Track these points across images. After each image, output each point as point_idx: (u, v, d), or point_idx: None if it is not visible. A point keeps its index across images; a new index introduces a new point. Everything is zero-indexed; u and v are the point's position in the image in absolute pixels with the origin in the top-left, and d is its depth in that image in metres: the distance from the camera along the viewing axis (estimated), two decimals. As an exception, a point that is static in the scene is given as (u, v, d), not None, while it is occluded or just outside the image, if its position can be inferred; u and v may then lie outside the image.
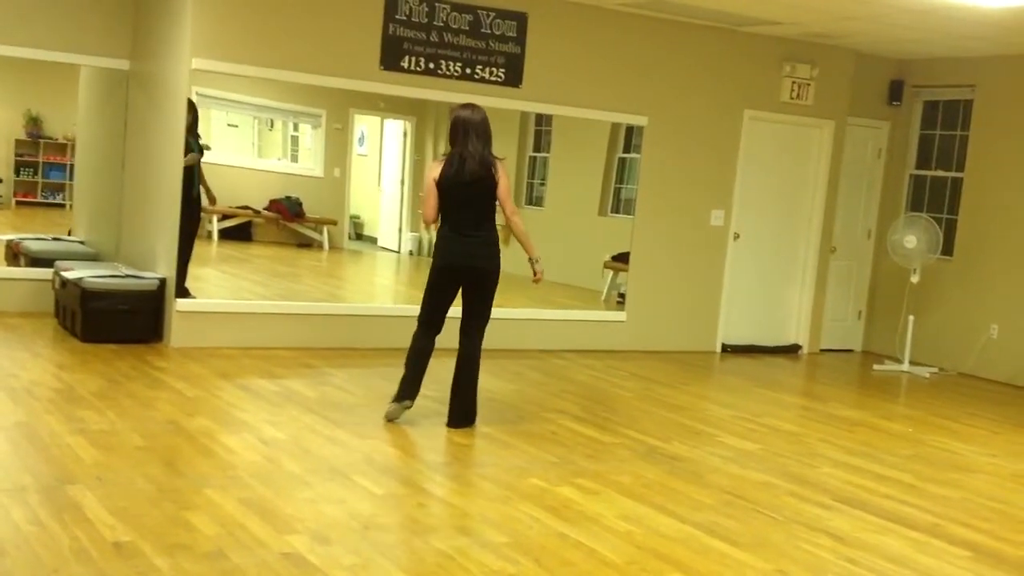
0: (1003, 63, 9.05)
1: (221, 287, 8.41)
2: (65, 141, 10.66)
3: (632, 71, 8.61)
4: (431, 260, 5.82)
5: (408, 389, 5.76)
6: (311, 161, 9.58)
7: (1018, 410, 7.87)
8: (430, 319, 5.84)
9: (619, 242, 9.02)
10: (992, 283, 9.08)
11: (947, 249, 9.37)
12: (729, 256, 9.25)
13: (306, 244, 9.26)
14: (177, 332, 7.28)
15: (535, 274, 5.96)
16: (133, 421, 5.30)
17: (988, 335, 9.08)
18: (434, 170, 5.67)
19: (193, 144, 7.45)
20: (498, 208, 5.78)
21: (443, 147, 9.37)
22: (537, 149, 9.62)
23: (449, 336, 5.86)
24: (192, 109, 7.30)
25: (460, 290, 5.80)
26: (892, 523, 4.71)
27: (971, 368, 9.15)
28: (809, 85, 9.26)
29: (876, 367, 9.27)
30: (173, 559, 3.57)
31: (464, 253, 5.69)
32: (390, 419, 5.71)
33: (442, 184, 5.61)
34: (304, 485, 4.52)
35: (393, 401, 5.76)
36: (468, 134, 5.61)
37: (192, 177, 7.49)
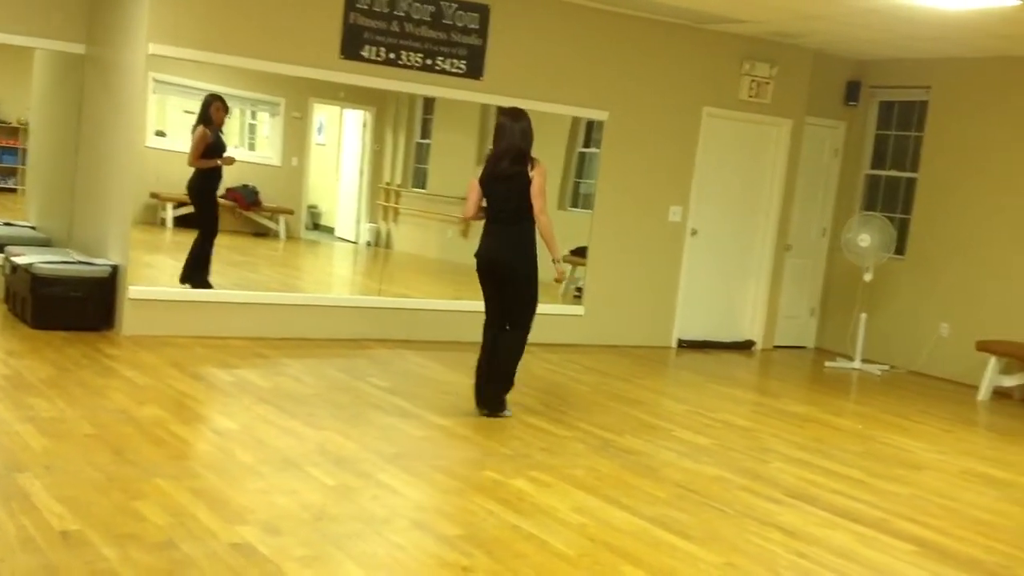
0: (957, 65, 9.17)
1: (174, 275, 8.31)
2: (18, 125, 10.48)
3: (593, 66, 8.63)
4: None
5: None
6: (269, 150, 9.49)
7: (967, 408, 7.99)
8: (486, 314, 6.08)
9: (578, 236, 9.04)
10: (943, 282, 9.22)
11: (900, 248, 9.49)
12: (686, 252, 9.31)
13: (262, 233, 9.17)
14: (129, 320, 7.20)
15: (557, 274, 6.14)
16: (83, 409, 5.23)
17: (939, 334, 9.21)
18: (479, 172, 5.97)
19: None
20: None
21: (404, 137, 9.35)
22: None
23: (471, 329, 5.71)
24: (226, 107, 7.65)
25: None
26: (841, 518, 4.77)
27: (921, 366, 9.28)
28: (768, 84, 9.33)
29: (828, 364, 9.37)
30: (122, 549, 3.53)
31: (492, 247, 5.91)
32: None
33: (483, 181, 5.91)
34: (256, 475, 4.49)
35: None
36: (505, 136, 5.87)
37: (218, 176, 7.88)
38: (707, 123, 9.20)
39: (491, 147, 6.06)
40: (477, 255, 5.96)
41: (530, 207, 5.89)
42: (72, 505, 3.89)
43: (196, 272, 7.90)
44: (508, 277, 5.93)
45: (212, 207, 8.15)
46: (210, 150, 8.07)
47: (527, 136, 5.92)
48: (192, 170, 8.06)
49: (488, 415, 5.99)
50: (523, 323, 6.04)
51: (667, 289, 9.26)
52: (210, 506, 4.03)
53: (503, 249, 5.89)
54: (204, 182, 8.08)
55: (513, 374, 6.07)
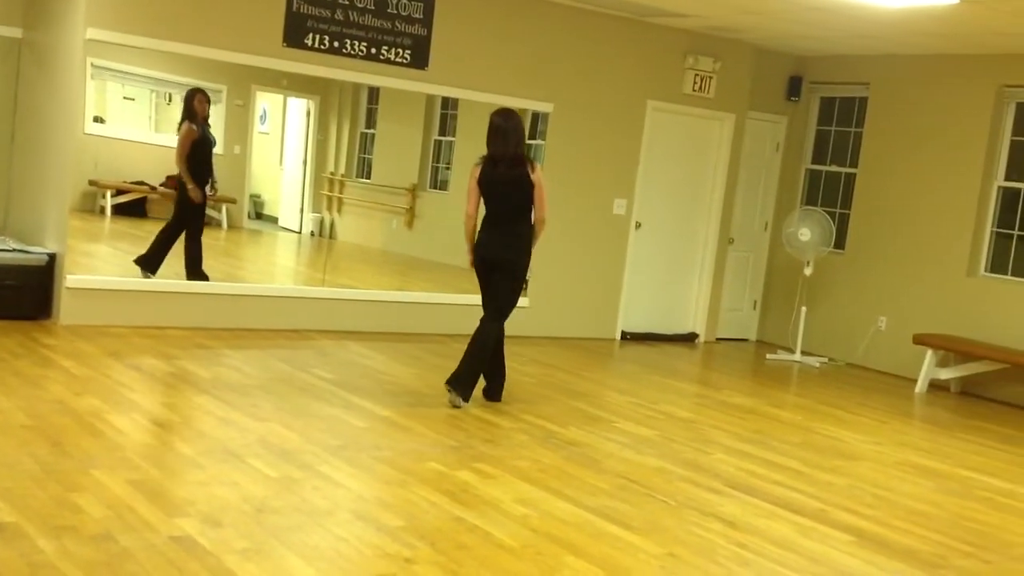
0: (895, 62, 9.32)
1: (113, 264, 8.19)
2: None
3: (538, 58, 8.63)
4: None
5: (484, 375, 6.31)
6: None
7: (904, 400, 8.14)
8: (483, 307, 6.30)
9: (522, 228, 9.03)
10: (881, 276, 9.37)
11: (839, 243, 9.63)
12: (631, 245, 9.36)
13: (204, 222, 9.06)
14: (67, 309, 7.07)
15: None
16: (19, 400, 5.13)
17: (876, 327, 9.37)
18: (475, 172, 6.16)
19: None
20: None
21: (348, 127, 9.29)
22: (443, 133, 9.58)
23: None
24: (207, 99, 7.83)
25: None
26: (780, 508, 4.83)
27: (860, 359, 9.44)
28: (711, 78, 9.40)
29: (769, 356, 9.49)
30: (59, 541, 3.46)
31: (495, 245, 6.15)
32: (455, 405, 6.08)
33: (481, 183, 6.13)
34: (196, 467, 4.44)
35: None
36: (498, 139, 6.08)
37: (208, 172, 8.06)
38: (651, 117, 9.25)
39: (486, 149, 6.19)
40: (478, 253, 6.18)
41: (530, 207, 6.17)
42: (8, 497, 3.81)
43: (196, 266, 8.03)
44: (500, 268, 6.17)
45: (202, 203, 8.21)
46: (196, 146, 8.08)
47: (521, 136, 6.16)
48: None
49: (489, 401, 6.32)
50: (501, 308, 6.27)
51: (611, 281, 9.31)
52: (149, 498, 3.98)
53: (506, 248, 6.16)
54: (193, 178, 8.11)
55: (485, 363, 6.27)
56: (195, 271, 8.01)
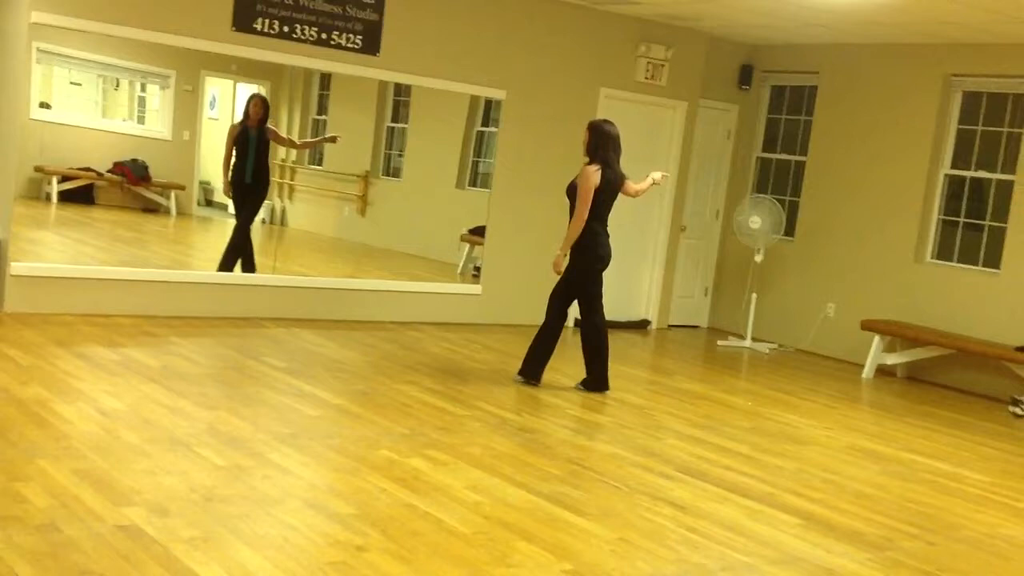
0: (844, 51, 9.41)
1: (60, 251, 8.06)
2: None
3: (491, 44, 8.61)
4: (584, 255, 6.64)
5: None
6: (159, 123, 9.24)
7: (852, 385, 8.25)
8: (597, 306, 6.82)
9: (476, 215, 9.04)
10: (830, 264, 9.48)
11: (789, 230, 9.73)
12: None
13: (152, 209, 8.94)
14: (12, 297, 6.94)
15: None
16: (-40, 390, 5.04)
17: (825, 313, 9.48)
18: (593, 177, 6.50)
19: None
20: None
21: (299, 113, 9.19)
22: (395, 119, 9.53)
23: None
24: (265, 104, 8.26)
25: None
26: (729, 492, 4.88)
27: (809, 345, 9.54)
28: (663, 66, 9.44)
29: (720, 343, 9.57)
30: (3, 531, 3.41)
31: (608, 245, 6.69)
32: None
33: (602, 188, 6.52)
34: (143, 456, 4.38)
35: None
36: (617, 145, 6.62)
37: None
38: (604, 104, 9.26)
39: (601, 154, 6.58)
40: (604, 256, 6.66)
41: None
42: (-53, 489, 3.74)
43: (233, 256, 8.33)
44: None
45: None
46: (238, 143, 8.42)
47: (620, 147, 6.72)
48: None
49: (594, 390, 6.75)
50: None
51: (564, 269, 9.31)
52: (95, 487, 3.92)
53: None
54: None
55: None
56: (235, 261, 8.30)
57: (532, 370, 6.76)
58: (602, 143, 6.60)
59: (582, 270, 6.67)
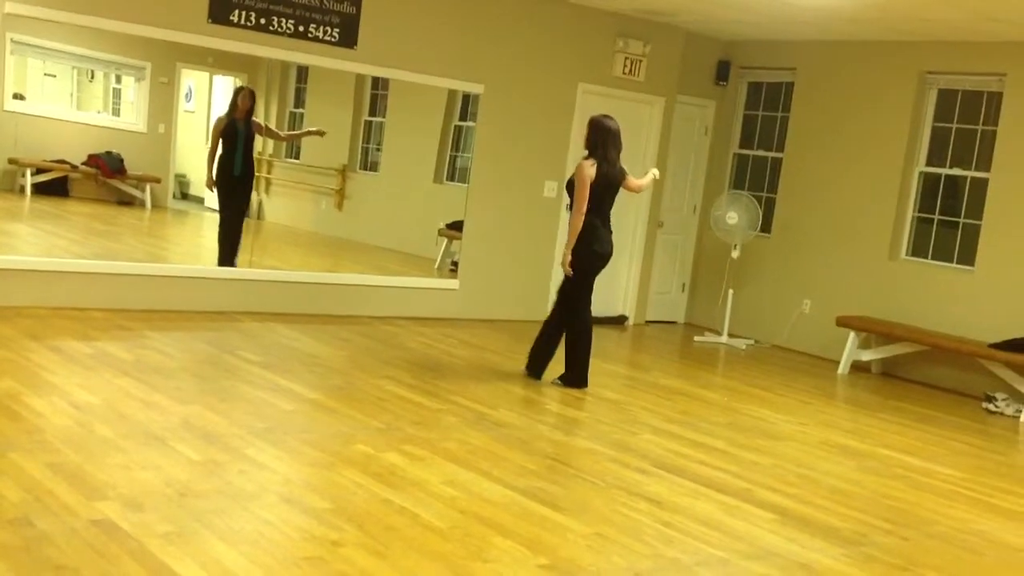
0: (822, 48, 9.45)
1: (33, 244, 7.99)
2: None
3: (470, 38, 8.59)
4: (583, 249, 6.60)
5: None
6: (134, 115, 9.17)
7: (827, 381, 8.29)
8: (586, 302, 6.77)
9: (454, 210, 9.02)
10: (806, 260, 9.52)
11: (766, 226, 9.77)
12: (561, 227, 9.37)
13: (127, 202, 8.87)
14: (-17, 290, 6.88)
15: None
16: (-69, 383, 4.98)
17: (801, 309, 9.53)
18: (588, 171, 6.54)
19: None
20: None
21: (276, 106, 9.14)
22: (373, 113, 9.50)
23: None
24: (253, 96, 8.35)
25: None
26: (705, 488, 4.89)
27: (785, 341, 9.59)
28: (641, 61, 9.45)
29: (697, 339, 9.60)
30: (-29, 528, 3.38)
31: (608, 241, 6.67)
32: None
33: (599, 183, 6.55)
34: (117, 450, 4.35)
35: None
36: (609, 142, 6.63)
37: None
38: (582, 99, 9.26)
39: (599, 150, 6.64)
40: (600, 251, 6.62)
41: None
42: (-83, 483, 3.70)
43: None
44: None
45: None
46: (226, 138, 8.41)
47: (621, 142, 6.78)
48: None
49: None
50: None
51: (542, 264, 9.31)
52: (68, 482, 3.89)
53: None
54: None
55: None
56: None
57: (535, 365, 6.81)
58: (600, 138, 6.64)
59: (580, 265, 6.63)
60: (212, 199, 9.38)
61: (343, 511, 3.97)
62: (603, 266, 6.75)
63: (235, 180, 8.41)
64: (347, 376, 6.28)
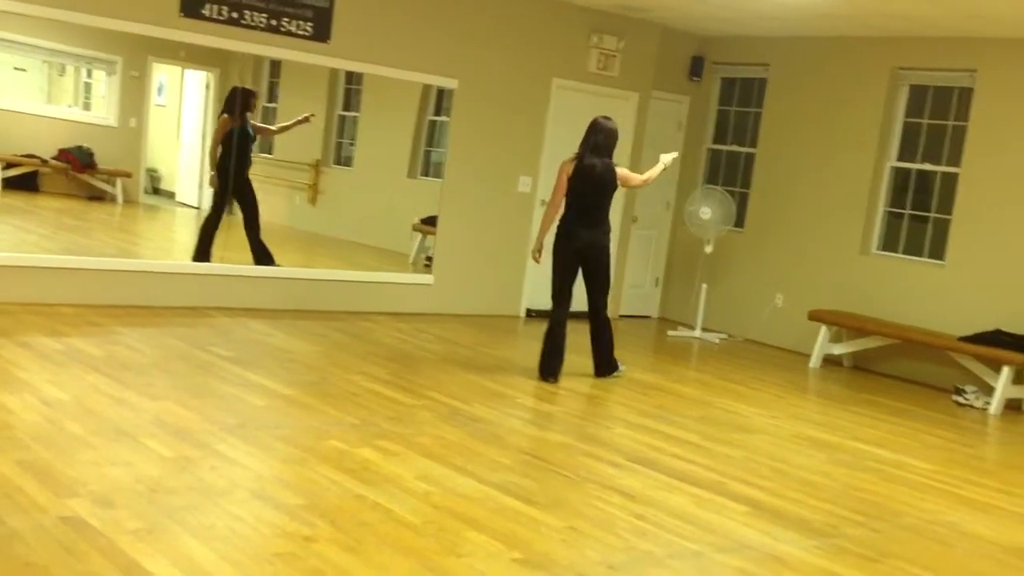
0: (795, 44, 9.49)
1: (3, 239, 7.90)
2: None
3: (443, 33, 8.57)
4: (555, 243, 6.86)
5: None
6: (105, 110, 9.10)
7: (799, 375, 8.34)
8: (561, 295, 6.93)
9: (428, 205, 9.01)
10: (778, 254, 9.57)
11: (739, 221, 9.80)
12: (535, 222, 9.36)
13: (98, 197, 8.80)
14: (-49, 286, 6.81)
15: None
16: (-102, 380, 4.92)
17: (774, 304, 9.57)
18: (565, 168, 6.74)
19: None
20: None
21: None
22: (346, 108, 9.46)
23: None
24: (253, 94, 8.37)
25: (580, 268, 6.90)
26: (679, 481, 4.91)
27: (758, 335, 9.63)
28: (615, 57, 9.46)
29: (671, 333, 9.63)
30: (-62, 526, 3.34)
31: (583, 237, 6.79)
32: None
33: (576, 179, 6.69)
34: (87, 447, 4.31)
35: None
36: (593, 139, 6.72)
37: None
38: (557, 94, 9.27)
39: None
40: (569, 246, 6.78)
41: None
42: None
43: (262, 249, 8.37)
44: (604, 260, 6.94)
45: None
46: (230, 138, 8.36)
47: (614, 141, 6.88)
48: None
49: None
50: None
51: (516, 258, 9.31)
52: (38, 479, 3.85)
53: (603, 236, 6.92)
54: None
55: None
56: (263, 256, 8.34)
57: (544, 367, 6.83)
58: (587, 136, 6.76)
59: (553, 258, 6.82)
60: (185, 194, 9.33)
61: (316, 507, 3.95)
62: (576, 261, 6.78)
63: (246, 181, 8.43)
64: (321, 371, 6.25)
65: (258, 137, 8.59)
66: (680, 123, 10.35)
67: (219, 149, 8.34)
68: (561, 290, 6.85)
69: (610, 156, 6.80)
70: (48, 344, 6.06)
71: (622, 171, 6.94)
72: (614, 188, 6.84)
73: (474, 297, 9.13)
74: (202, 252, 8.21)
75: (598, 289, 6.94)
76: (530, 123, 9.19)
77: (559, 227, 6.78)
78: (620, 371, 7.18)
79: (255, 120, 8.59)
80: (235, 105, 8.28)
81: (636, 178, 7.14)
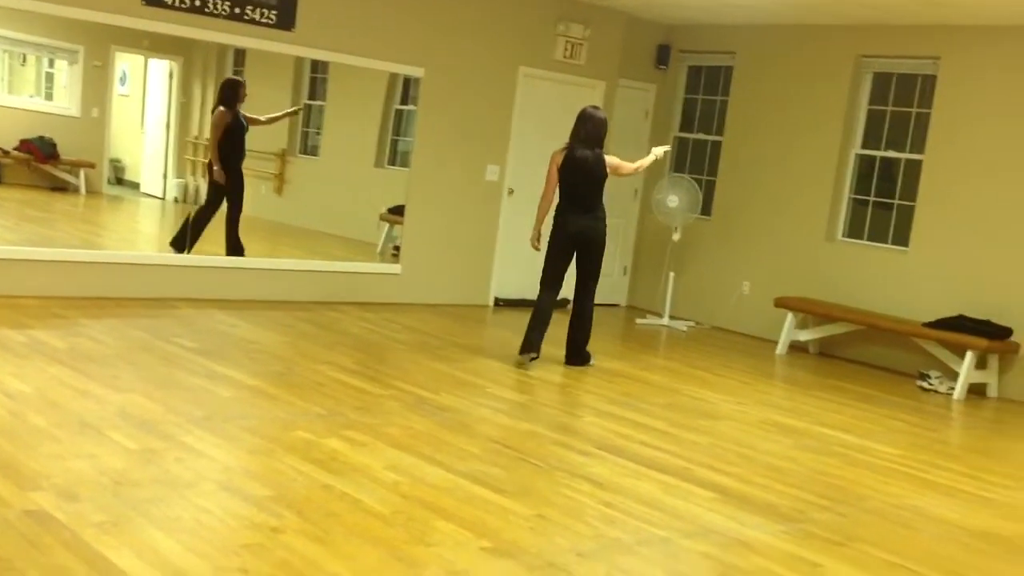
0: (760, 32, 9.53)
1: (-37, 231, 7.80)
2: None
3: (409, 21, 8.53)
4: (552, 229, 7.07)
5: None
6: (67, 100, 8.99)
7: (766, 361, 8.40)
8: (549, 280, 7.09)
9: (395, 194, 8.97)
10: (745, 242, 9.62)
11: (706, 209, 9.84)
12: (503, 211, 9.37)
13: (61, 188, 8.69)
14: (-90, 279, 6.71)
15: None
16: None
17: (740, 291, 9.63)
18: (555, 158, 6.93)
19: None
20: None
21: (213, 90, 9.01)
22: (312, 97, 9.40)
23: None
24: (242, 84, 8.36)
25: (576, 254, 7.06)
26: (646, 468, 4.93)
27: (725, 322, 9.69)
28: (582, 45, 9.45)
29: (639, 321, 9.66)
30: (-102, 521, 3.29)
31: (577, 225, 6.96)
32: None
33: (566, 169, 6.89)
34: (51, 440, 4.27)
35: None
36: (582, 129, 6.90)
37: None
38: (523, 83, 9.25)
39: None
40: (563, 234, 6.97)
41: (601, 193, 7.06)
42: None
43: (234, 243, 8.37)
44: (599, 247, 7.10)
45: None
46: (230, 131, 8.39)
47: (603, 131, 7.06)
48: None
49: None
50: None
51: (484, 248, 9.31)
52: (1, 472, 3.81)
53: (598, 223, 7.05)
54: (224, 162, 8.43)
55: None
56: (236, 249, 8.34)
57: (526, 343, 6.96)
58: (576, 126, 6.95)
59: (548, 243, 7.03)
60: (149, 184, 9.24)
61: (283, 498, 3.93)
62: (570, 247, 6.97)
63: (239, 173, 8.44)
64: (287, 362, 6.22)
65: (249, 127, 8.53)
66: (647, 111, 10.37)
67: (220, 142, 8.35)
68: (552, 275, 7.02)
69: (600, 146, 6.97)
70: (11, 336, 5.98)
71: (612, 160, 7.08)
72: (604, 177, 6.98)
73: (442, 286, 9.11)
74: (189, 241, 8.18)
75: (588, 275, 7.09)
76: (497, 112, 9.18)
77: (555, 216, 6.99)
78: (592, 363, 7.22)
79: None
80: (230, 97, 8.31)
81: (626, 166, 7.27)
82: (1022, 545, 4.54)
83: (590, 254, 7.01)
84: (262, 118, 8.78)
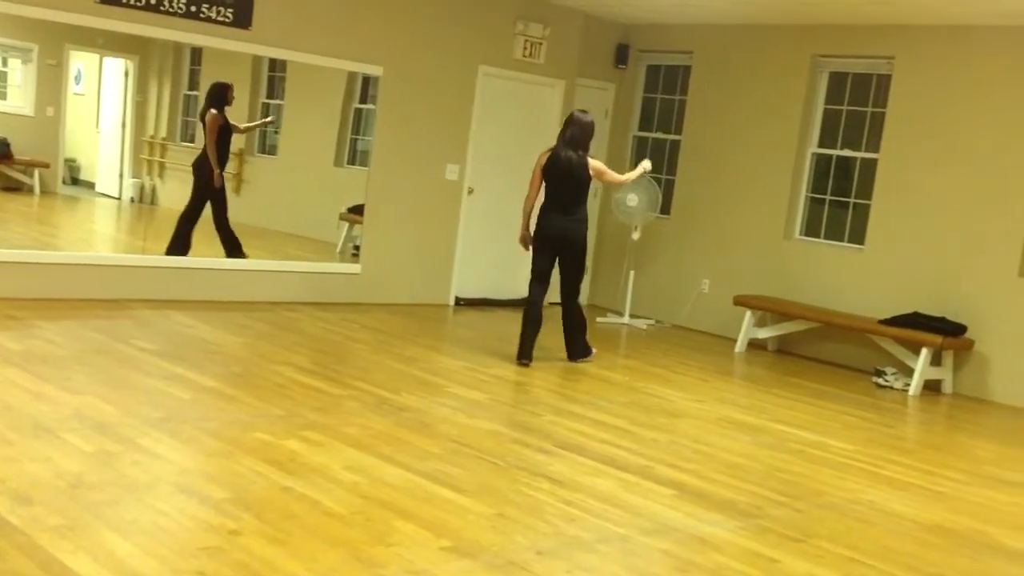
0: (717, 32, 9.60)
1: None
2: None
3: (368, 19, 8.50)
4: (535, 229, 7.26)
5: None
6: (21, 99, 8.87)
7: (725, 359, 8.46)
8: (538, 280, 7.22)
9: (355, 194, 8.94)
10: (704, 241, 9.69)
11: (666, 208, 9.90)
12: (463, 210, 9.37)
13: (15, 188, 8.58)
14: None
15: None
16: None
17: (700, 289, 9.69)
18: (540, 159, 7.13)
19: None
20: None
21: (169, 89, 8.93)
22: (271, 96, 9.34)
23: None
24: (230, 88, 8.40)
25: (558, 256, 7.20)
26: (606, 466, 4.95)
27: (684, 320, 9.75)
28: (541, 44, 9.47)
29: (600, 319, 9.70)
30: None
31: (557, 226, 7.13)
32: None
33: (549, 170, 7.08)
34: (4, 443, 4.21)
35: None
36: (567, 133, 7.07)
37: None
38: (483, 82, 9.26)
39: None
40: (543, 234, 7.15)
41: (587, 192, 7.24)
42: None
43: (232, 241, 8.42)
44: (580, 249, 7.27)
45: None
46: (222, 132, 8.42)
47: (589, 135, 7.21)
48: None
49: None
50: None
51: (444, 247, 9.30)
52: (-48, 478, 3.76)
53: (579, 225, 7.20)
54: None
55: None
56: (235, 245, 8.40)
57: (522, 350, 7.14)
58: (563, 129, 7.16)
59: (533, 243, 7.21)
60: (105, 184, 9.13)
61: (241, 500, 3.91)
62: (552, 248, 7.12)
63: (222, 174, 8.45)
64: (246, 363, 6.18)
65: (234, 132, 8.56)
66: (606, 110, 10.41)
67: (216, 145, 8.36)
68: (539, 270, 7.18)
69: (585, 149, 7.12)
70: (-37, 339, 5.90)
71: (596, 164, 7.21)
72: (588, 180, 7.13)
73: (402, 286, 9.10)
74: (182, 246, 8.20)
75: (571, 274, 7.24)
76: (457, 110, 9.17)
77: (538, 215, 7.15)
78: (592, 355, 7.49)
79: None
80: (219, 100, 8.34)
81: (613, 176, 7.49)
82: (973, 539, 4.61)
83: (571, 254, 7.18)
84: (240, 127, 8.78)
